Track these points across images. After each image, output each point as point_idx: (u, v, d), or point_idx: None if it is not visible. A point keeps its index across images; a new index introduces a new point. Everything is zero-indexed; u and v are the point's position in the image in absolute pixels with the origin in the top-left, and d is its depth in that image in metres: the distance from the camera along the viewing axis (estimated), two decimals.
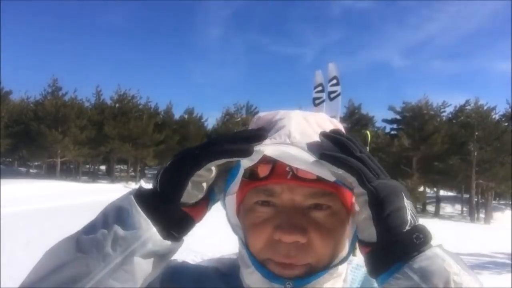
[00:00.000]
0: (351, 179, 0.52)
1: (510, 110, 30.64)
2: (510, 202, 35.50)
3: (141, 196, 0.53)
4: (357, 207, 0.54)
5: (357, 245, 0.59)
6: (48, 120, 30.99)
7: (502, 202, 38.50)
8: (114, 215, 0.52)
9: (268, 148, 0.55)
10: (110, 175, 35.29)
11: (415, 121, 31.33)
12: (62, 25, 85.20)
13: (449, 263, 0.47)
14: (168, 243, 0.52)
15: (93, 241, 0.51)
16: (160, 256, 0.53)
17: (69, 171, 36.39)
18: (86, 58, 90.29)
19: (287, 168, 0.57)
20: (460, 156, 29.34)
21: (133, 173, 36.66)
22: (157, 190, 0.54)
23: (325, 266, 0.59)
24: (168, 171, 0.53)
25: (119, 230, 0.50)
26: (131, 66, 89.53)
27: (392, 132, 34.43)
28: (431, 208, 31.69)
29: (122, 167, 38.73)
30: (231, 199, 0.64)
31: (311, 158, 0.54)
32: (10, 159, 39.16)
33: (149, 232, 0.51)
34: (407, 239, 0.48)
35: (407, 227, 0.49)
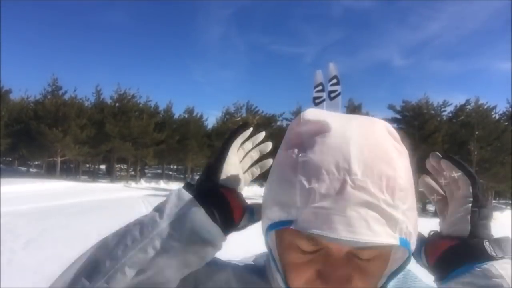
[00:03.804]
0: (462, 182, 0.61)
1: (510, 109, 30.65)
2: (510, 202, 35.50)
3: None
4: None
5: None
6: (48, 119, 30.97)
7: (502, 201, 38.49)
8: None
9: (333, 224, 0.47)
10: (110, 175, 35.28)
11: (416, 120, 31.34)
12: (62, 24, 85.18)
13: None
14: (202, 211, 0.55)
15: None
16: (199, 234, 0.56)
17: (69, 170, 36.37)
18: (86, 57, 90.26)
19: None
20: (460, 155, 29.32)
21: (133, 173, 36.66)
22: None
23: None
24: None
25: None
26: (131, 65, 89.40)
27: None
28: (431, 207, 31.66)
29: (122, 167, 38.72)
30: None
31: (377, 219, 0.48)
32: (10, 158, 39.12)
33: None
34: (493, 243, 0.58)
35: (492, 235, 0.59)
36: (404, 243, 0.50)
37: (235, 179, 0.61)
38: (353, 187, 0.48)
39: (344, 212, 0.47)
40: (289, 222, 0.50)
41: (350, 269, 0.52)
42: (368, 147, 0.52)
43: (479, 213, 0.59)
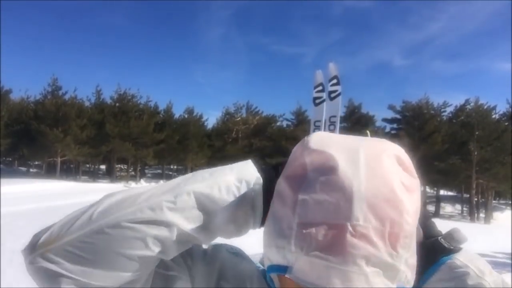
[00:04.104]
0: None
1: (510, 109, 30.65)
2: (510, 202, 35.51)
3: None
4: None
5: None
6: (48, 119, 30.99)
7: (502, 201, 38.51)
8: None
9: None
10: (110, 175, 35.30)
11: (416, 120, 31.37)
12: (62, 24, 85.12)
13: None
14: (261, 185, 0.57)
15: None
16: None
17: (69, 170, 36.40)
18: (86, 57, 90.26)
19: None
20: (460, 155, 29.35)
21: (133, 173, 36.68)
22: None
23: None
24: None
25: None
26: (131, 66, 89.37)
27: (392, 132, 34.43)
28: (431, 207, 31.70)
29: (122, 167, 38.73)
30: None
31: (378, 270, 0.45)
32: (10, 159, 39.14)
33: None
34: (446, 237, 0.64)
35: (440, 231, 0.65)
36: None
37: None
38: (353, 235, 0.44)
39: (342, 265, 0.44)
40: (284, 269, 0.47)
41: None
42: (374, 185, 0.47)
43: (423, 215, 0.62)
